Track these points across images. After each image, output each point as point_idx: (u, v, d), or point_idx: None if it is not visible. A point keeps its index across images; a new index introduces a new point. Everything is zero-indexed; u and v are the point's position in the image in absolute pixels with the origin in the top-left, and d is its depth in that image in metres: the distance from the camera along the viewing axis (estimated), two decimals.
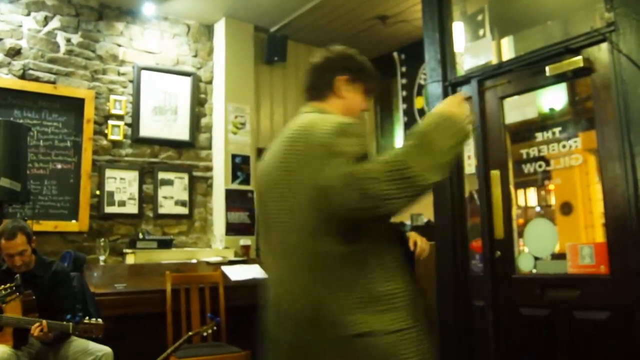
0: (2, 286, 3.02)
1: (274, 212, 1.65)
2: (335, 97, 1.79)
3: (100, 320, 3.17)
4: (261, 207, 1.75)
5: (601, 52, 3.00)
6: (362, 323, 1.47)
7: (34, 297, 3.25)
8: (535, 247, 3.31)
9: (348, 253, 1.51)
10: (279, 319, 1.62)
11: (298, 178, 1.57)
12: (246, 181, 5.37)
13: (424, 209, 5.09)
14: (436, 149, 1.46)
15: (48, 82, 4.75)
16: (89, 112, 4.85)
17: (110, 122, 4.98)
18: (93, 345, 3.29)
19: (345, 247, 1.51)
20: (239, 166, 5.37)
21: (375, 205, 1.40)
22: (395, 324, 1.49)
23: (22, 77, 4.65)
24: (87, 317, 3.16)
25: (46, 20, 4.81)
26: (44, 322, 3.06)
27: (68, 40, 4.88)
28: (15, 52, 4.63)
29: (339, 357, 1.48)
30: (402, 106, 6.00)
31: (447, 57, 3.81)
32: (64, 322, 3.11)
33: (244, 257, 5.01)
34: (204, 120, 5.49)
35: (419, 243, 1.94)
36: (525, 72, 3.36)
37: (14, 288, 3.01)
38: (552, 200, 3.45)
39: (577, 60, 3.04)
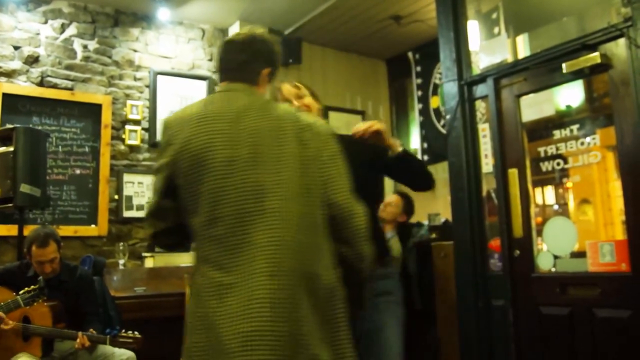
0: (26, 289, 3.06)
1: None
2: (257, 87, 1.81)
3: (137, 333, 3.18)
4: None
5: (619, 48, 2.97)
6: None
7: (61, 305, 3.28)
8: (555, 246, 3.28)
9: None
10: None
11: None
12: None
13: (442, 209, 5.08)
14: None
15: (66, 88, 4.80)
16: (106, 117, 4.90)
17: (128, 127, 5.02)
18: (116, 350, 3.32)
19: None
20: None
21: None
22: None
23: (41, 84, 4.71)
24: (124, 331, 3.18)
25: (63, 28, 4.87)
26: (85, 337, 3.08)
27: (85, 47, 4.94)
28: (33, 60, 4.69)
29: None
30: (417, 106, 5.98)
31: (462, 56, 3.80)
32: (101, 335, 3.14)
33: None
34: None
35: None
36: (542, 70, 3.33)
37: (37, 290, 3.04)
38: (571, 198, 3.43)
39: (594, 57, 3.01)
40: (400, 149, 2.27)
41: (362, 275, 1.74)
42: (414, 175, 2.39)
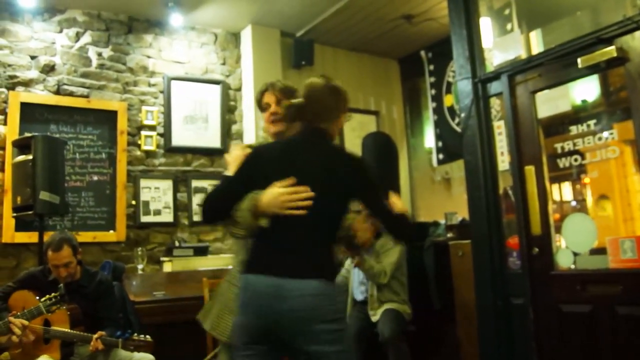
0: (47, 295, 3.09)
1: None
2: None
3: (149, 337, 3.20)
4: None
5: (635, 41, 2.94)
6: None
7: (79, 309, 3.31)
8: (574, 242, 3.25)
9: None
10: None
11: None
12: None
13: (459, 208, 5.05)
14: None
15: (82, 96, 4.85)
16: (122, 123, 4.94)
17: (143, 133, 5.06)
18: (135, 355, 3.34)
19: None
20: None
21: None
22: None
23: (57, 92, 4.76)
24: (135, 334, 3.20)
25: (78, 36, 4.92)
26: (99, 340, 3.11)
27: (99, 55, 4.99)
28: (49, 69, 4.75)
29: None
30: (431, 105, 5.96)
31: (475, 54, 3.78)
32: (114, 338, 3.16)
33: None
34: (234, 127, 5.54)
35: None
36: (557, 65, 3.30)
37: (58, 297, 3.08)
38: (589, 194, 3.39)
39: (610, 50, 2.98)
40: None
41: None
42: None
